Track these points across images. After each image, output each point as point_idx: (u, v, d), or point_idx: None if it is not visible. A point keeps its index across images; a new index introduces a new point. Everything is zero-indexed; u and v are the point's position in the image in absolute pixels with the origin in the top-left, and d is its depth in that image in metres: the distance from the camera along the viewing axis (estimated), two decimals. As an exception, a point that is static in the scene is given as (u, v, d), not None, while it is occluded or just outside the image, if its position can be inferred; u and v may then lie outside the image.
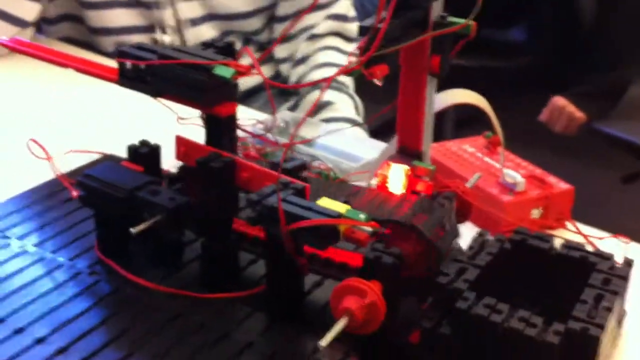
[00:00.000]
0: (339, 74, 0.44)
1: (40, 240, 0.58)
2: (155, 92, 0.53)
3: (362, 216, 0.46)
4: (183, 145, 0.53)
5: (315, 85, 1.14)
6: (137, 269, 0.54)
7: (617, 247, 0.58)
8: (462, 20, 0.51)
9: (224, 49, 0.55)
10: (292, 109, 1.13)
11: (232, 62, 0.50)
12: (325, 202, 0.47)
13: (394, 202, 0.51)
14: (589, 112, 1.71)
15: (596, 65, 1.73)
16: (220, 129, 0.54)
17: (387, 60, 0.46)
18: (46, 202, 0.63)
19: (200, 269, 0.54)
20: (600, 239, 0.60)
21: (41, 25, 1.11)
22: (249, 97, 1.19)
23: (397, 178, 0.53)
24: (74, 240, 0.58)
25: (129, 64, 0.52)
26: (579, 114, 1.70)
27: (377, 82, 0.46)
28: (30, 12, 1.03)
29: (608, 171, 1.91)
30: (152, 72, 0.52)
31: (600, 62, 1.72)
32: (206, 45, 0.55)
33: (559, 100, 1.72)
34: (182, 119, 0.58)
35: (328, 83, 0.44)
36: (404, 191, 0.53)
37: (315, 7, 1.17)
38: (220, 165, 0.50)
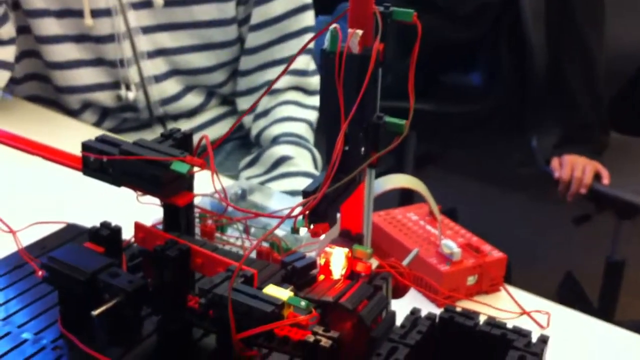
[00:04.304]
0: (282, 222, 0.51)
1: (6, 315, 0.62)
2: (116, 183, 0.57)
3: (302, 304, 0.51)
4: (141, 232, 0.58)
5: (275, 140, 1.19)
6: (99, 343, 0.58)
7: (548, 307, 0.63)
8: (397, 120, 0.57)
9: (181, 141, 0.60)
10: (251, 163, 1.17)
11: (188, 158, 0.55)
12: (270, 289, 0.52)
13: (339, 285, 0.56)
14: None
15: (552, 110, 1.79)
16: (178, 216, 0.59)
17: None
18: (11, 275, 0.67)
19: (156, 345, 0.58)
20: (527, 313, 0.66)
21: (8, 84, 1.15)
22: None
23: (338, 260, 0.58)
24: (39, 314, 0.62)
25: (92, 157, 0.57)
26: (589, 181, 1.66)
27: (320, 239, 0.52)
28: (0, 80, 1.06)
29: (562, 211, 1.99)
30: (113, 165, 0.57)
31: (555, 108, 1.79)
32: (164, 136, 0.60)
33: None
34: (142, 195, 0.63)
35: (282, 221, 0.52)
36: (344, 272, 0.58)
37: (275, 63, 1.22)
38: (176, 253, 0.55)
